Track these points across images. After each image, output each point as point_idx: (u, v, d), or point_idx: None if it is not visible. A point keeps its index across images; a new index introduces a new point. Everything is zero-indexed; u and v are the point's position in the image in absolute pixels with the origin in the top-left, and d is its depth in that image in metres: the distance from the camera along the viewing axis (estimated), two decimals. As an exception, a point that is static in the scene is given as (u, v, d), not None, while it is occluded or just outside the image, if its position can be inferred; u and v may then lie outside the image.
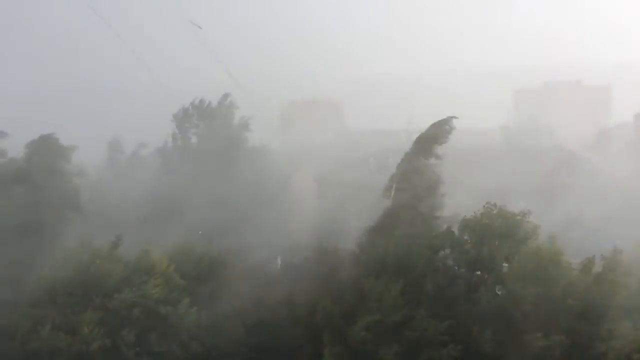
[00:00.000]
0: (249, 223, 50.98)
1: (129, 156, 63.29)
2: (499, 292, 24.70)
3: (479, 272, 25.46)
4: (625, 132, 71.67)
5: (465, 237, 25.96)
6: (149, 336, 25.69)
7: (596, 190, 52.67)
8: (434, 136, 30.99)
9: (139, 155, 63.33)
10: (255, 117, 60.96)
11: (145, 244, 30.29)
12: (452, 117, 31.38)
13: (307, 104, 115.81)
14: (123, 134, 65.87)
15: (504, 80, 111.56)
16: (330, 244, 33.47)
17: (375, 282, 24.79)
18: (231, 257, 32.04)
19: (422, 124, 33.87)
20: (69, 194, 37.63)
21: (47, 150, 37.63)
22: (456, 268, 26.14)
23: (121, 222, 46.91)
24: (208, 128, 59.45)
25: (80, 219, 39.06)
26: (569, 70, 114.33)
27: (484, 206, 26.65)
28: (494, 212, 26.37)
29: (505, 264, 25.45)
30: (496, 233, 25.56)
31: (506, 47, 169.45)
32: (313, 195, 59.10)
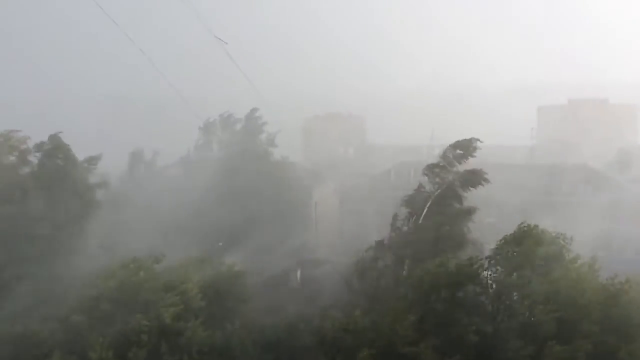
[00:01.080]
0: (271, 236, 51.11)
1: (148, 166, 63.83)
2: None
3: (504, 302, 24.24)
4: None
5: (498, 267, 24.73)
6: (160, 351, 25.15)
7: (621, 209, 51.76)
8: (453, 155, 30.78)
9: (159, 166, 63.99)
10: (278, 130, 61.34)
11: (167, 258, 30.07)
12: (476, 139, 31.08)
13: (330, 118, 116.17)
14: (146, 146, 66.65)
15: (528, 98, 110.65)
16: (350, 257, 33.31)
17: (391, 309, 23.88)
18: (251, 272, 31.80)
19: (444, 139, 33.71)
20: (86, 203, 37.74)
21: (58, 154, 37.40)
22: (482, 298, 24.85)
23: (143, 234, 47.40)
24: (234, 141, 59.94)
25: (101, 228, 39.31)
26: (595, 88, 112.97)
27: (520, 226, 25.39)
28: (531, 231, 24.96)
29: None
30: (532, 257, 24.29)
31: (531, 64, 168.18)
32: (334, 209, 59.04)
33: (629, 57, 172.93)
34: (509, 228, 27.45)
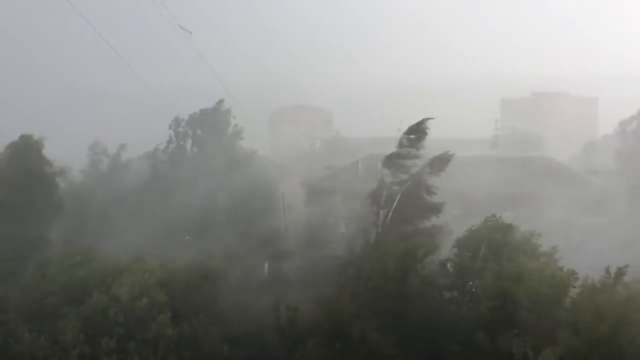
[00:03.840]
0: (238, 229, 50.87)
1: (111, 159, 62.80)
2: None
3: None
4: (610, 143, 72.45)
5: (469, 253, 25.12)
6: (128, 345, 25.29)
7: (582, 201, 53.10)
8: (407, 142, 31.13)
9: (122, 159, 63.02)
10: (245, 123, 60.96)
11: (130, 251, 30.04)
12: (427, 119, 31.53)
13: (297, 110, 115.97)
14: (110, 138, 65.42)
15: (492, 90, 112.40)
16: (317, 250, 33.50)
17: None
18: (218, 267, 31.71)
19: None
20: (51, 197, 37.27)
21: (28, 151, 37.06)
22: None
23: (106, 227, 46.70)
24: (202, 134, 59.35)
25: (64, 221, 38.76)
26: (556, 81, 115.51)
27: (486, 219, 25.87)
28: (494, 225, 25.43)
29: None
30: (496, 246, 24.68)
31: (494, 56, 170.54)
32: (301, 201, 59.00)
33: (590, 50, 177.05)
34: (474, 220, 28.00)
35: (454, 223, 31.23)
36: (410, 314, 23.43)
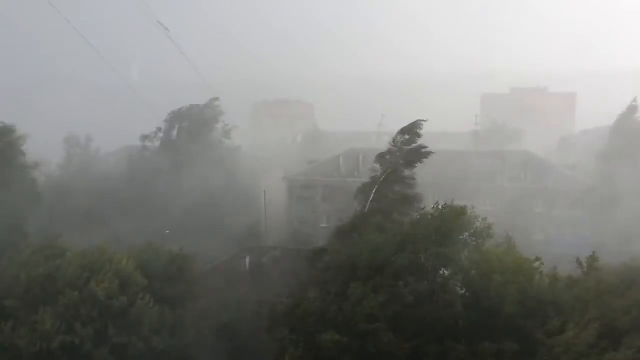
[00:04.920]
0: (220, 222, 50.74)
1: (85, 152, 62.39)
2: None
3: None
4: (588, 138, 73.56)
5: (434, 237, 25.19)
6: (107, 331, 25.42)
7: (560, 195, 53.93)
8: (401, 141, 31.31)
9: (98, 152, 62.63)
10: (227, 117, 60.80)
11: (108, 241, 29.84)
12: (421, 121, 31.67)
13: (278, 104, 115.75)
14: (88, 132, 64.86)
15: (471, 84, 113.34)
16: (298, 244, 33.57)
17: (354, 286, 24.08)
18: (199, 258, 31.64)
19: (392, 125, 34.23)
20: (27, 189, 36.70)
21: (5, 144, 36.50)
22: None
23: (85, 218, 46.21)
24: (189, 130, 59.14)
25: (41, 213, 38.21)
26: (535, 77, 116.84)
27: (442, 206, 25.90)
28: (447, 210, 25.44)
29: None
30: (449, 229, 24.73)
31: (476, 53, 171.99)
32: (283, 195, 58.97)
33: (570, 47, 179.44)
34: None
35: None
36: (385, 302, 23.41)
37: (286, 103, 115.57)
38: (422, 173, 31.99)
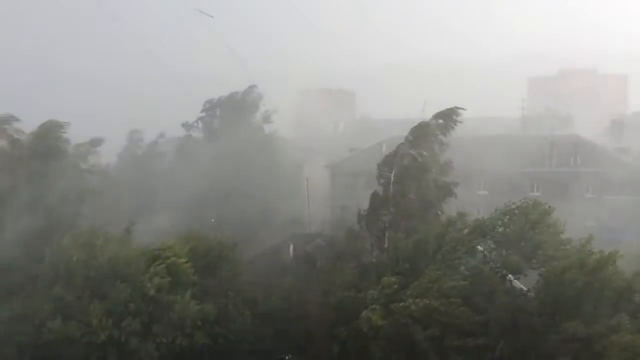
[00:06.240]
0: (263, 211, 51.18)
1: (148, 145, 63.87)
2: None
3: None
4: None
5: (505, 229, 24.87)
6: (153, 327, 25.65)
7: (611, 179, 52.02)
8: (435, 125, 30.71)
9: (157, 144, 64.02)
10: (269, 106, 61.15)
11: (157, 232, 30.22)
12: (458, 107, 30.93)
13: (320, 93, 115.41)
14: (135, 123, 66.38)
15: (519, 69, 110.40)
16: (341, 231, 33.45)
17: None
18: (243, 245, 31.86)
19: (435, 112, 33.39)
20: (76, 179, 37.67)
21: (51, 136, 37.36)
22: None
23: (135, 210, 47.31)
24: (231, 118, 59.74)
25: (93, 207, 39.22)
26: (584, 58, 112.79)
27: (521, 201, 25.50)
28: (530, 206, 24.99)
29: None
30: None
31: (522, 35, 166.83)
32: (326, 183, 59.00)
33: (618, 27, 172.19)
34: (500, 200, 27.54)
35: (481, 202, 30.83)
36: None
37: (328, 91, 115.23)
38: (467, 158, 31.38)
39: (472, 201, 35.48)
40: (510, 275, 24.27)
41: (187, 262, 26.99)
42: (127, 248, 27.33)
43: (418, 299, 23.27)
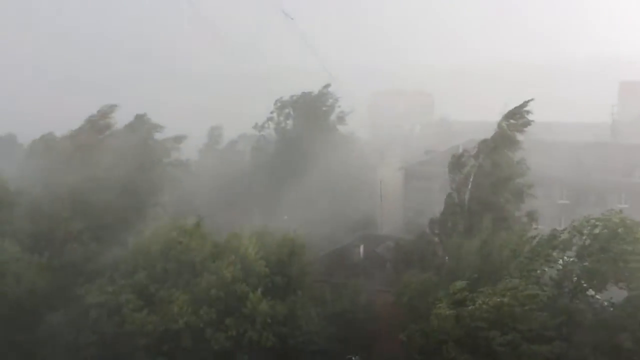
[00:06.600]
0: (336, 210, 51.25)
1: (227, 144, 65.79)
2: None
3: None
4: None
5: (587, 242, 23.78)
6: (227, 317, 26.30)
7: None
8: (508, 126, 29.46)
9: (236, 143, 65.78)
10: (351, 110, 61.11)
11: (232, 227, 30.88)
12: (526, 101, 29.55)
13: (396, 93, 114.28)
14: (220, 120, 68.49)
15: (609, 72, 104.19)
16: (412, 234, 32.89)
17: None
18: (313, 245, 31.96)
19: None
20: (161, 172, 39.56)
21: (142, 130, 39.63)
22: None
23: (211, 204, 48.77)
24: (305, 117, 60.15)
25: (172, 200, 40.93)
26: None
27: (603, 214, 24.27)
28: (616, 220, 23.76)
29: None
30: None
31: (611, 35, 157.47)
32: (399, 186, 58.28)
33: None
34: (583, 211, 26.15)
35: (562, 212, 29.36)
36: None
37: (405, 92, 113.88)
38: (550, 165, 29.97)
39: (552, 210, 33.89)
40: (591, 290, 23.06)
41: (260, 258, 27.43)
42: (201, 240, 28.05)
43: (488, 298, 22.86)
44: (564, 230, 24.69)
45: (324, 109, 60.19)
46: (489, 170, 28.93)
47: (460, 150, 56.57)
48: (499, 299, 22.60)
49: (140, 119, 41.39)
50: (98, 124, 40.10)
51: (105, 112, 40.40)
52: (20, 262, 30.17)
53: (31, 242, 32.51)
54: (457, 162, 29.67)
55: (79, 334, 27.51)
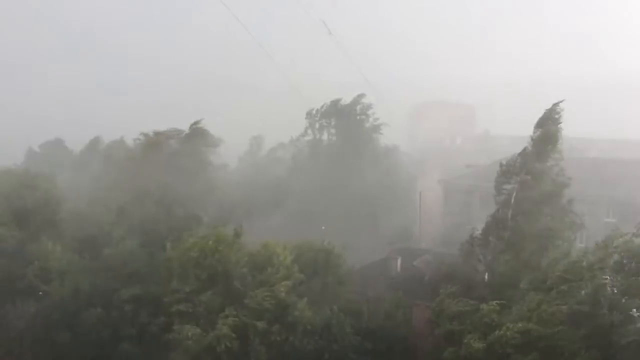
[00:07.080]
0: (374, 222, 50.97)
1: (268, 152, 66.57)
2: None
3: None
4: None
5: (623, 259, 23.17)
6: (274, 326, 26.20)
7: None
8: (548, 134, 28.62)
9: (276, 152, 66.45)
10: (384, 116, 60.96)
11: (270, 236, 30.95)
12: (556, 103, 28.68)
13: (438, 105, 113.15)
14: (259, 129, 69.38)
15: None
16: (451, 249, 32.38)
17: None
18: (351, 256, 31.79)
19: (564, 130, 31.21)
20: (208, 180, 40.19)
21: (198, 140, 40.37)
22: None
23: (251, 210, 49.25)
24: (341, 126, 60.26)
25: (213, 204, 41.40)
26: None
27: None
28: None
29: None
30: None
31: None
32: (439, 199, 57.52)
33: None
34: (630, 229, 25.26)
35: (608, 230, 28.36)
36: None
37: (446, 104, 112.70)
38: (595, 183, 29.09)
39: (598, 228, 32.84)
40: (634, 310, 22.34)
41: (296, 267, 27.42)
42: (235, 249, 28.07)
43: (512, 324, 22.67)
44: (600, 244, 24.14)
45: (358, 117, 60.12)
46: (532, 184, 28.25)
47: (504, 164, 55.99)
48: (522, 325, 22.52)
49: (195, 130, 41.39)
50: (152, 138, 40.66)
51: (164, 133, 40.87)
52: (66, 263, 31.18)
53: (75, 245, 33.52)
54: (502, 177, 29.07)
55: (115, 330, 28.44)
